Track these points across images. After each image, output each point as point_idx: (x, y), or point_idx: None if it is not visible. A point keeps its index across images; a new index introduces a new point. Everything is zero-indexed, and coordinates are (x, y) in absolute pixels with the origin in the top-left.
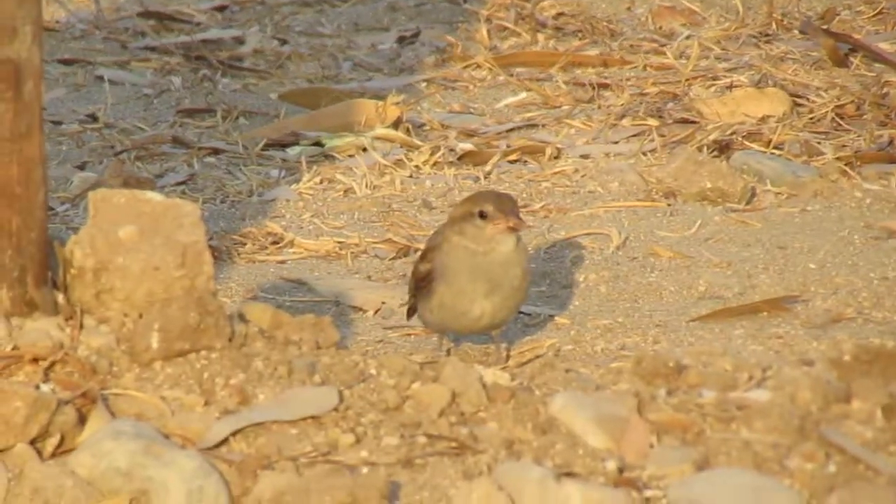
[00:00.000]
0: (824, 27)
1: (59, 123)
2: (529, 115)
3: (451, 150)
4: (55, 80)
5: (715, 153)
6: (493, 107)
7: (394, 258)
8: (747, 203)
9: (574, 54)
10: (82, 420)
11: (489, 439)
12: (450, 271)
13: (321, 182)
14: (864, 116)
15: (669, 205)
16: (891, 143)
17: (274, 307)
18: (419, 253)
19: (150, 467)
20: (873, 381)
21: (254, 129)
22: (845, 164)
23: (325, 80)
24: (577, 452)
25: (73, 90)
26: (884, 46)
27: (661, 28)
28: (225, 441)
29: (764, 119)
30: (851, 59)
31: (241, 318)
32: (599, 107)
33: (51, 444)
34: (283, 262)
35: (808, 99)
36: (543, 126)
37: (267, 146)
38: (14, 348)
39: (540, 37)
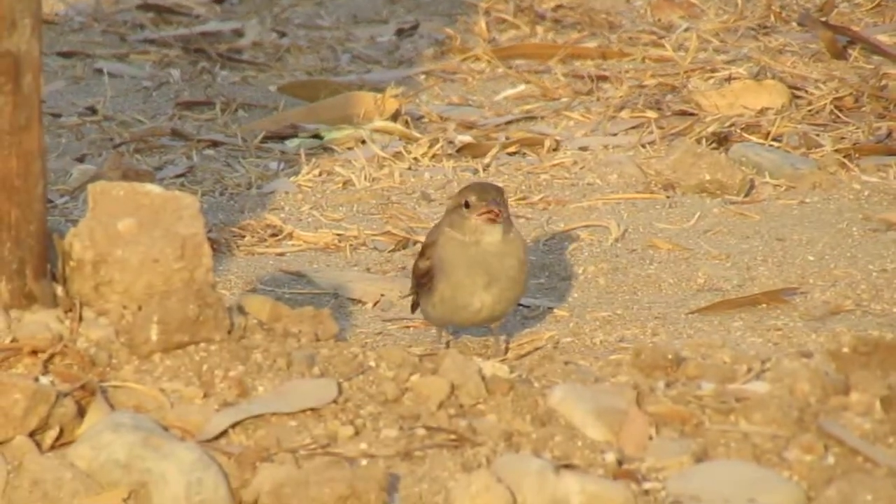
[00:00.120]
0: (823, 19)
1: (58, 116)
2: (528, 107)
3: (450, 142)
4: (54, 73)
5: (714, 145)
6: (492, 99)
7: (393, 250)
8: (746, 195)
9: (573, 46)
10: (81, 412)
11: (488, 431)
12: (447, 265)
13: (320, 174)
14: (863, 108)
15: (668, 197)
16: (889, 135)
17: (273, 299)
18: (419, 249)
19: (149, 459)
20: (872, 373)
21: (253, 122)
22: (844, 156)
23: (323, 73)
24: (576, 444)
25: (72, 83)
26: (882, 38)
27: (659, 20)
28: (224, 433)
29: (762, 111)
30: (850, 51)
31: (241, 310)
32: (598, 99)
33: (50, 436)
34: (282, 254)
35: (806, 91)
36: (542, 118)
37: (266, 138)
38: (13, 340)
39: (539, 29)
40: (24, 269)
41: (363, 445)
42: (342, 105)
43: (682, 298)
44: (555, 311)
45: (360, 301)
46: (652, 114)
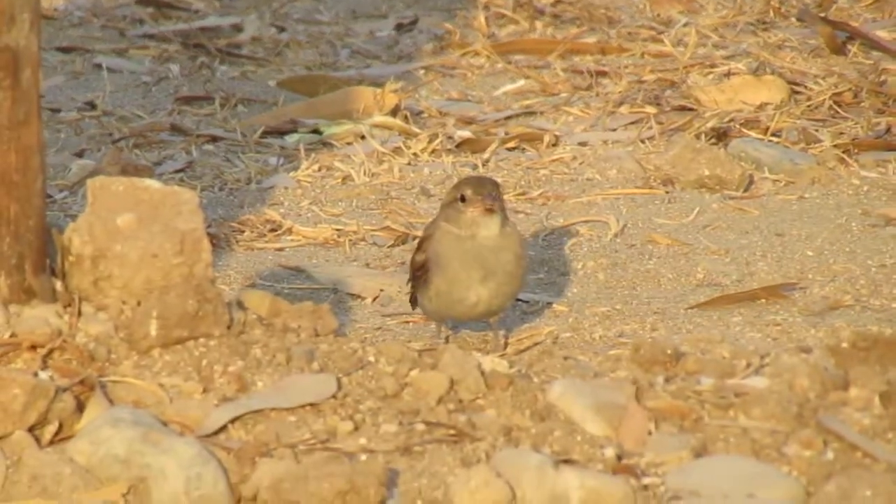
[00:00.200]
0: (822, 15)
1: (57, 111)
2: (527, 102)
3: (450, 137)
4: (53, 68)
5: (713, 140)
6: (492, 94)
7: (392, 245)
8: (745, 190)
9: (572, 42)
10: (80, 407)
11: (487, 426)
12: (443, 259)
13: (319, 169)
14: (862, 104)
15: (667, 192)
16: (888, 130)
17: (272, 294)
18: (416, 243)
19: (148, 454)
20: (871, 369)
21: (252, 117)
22: (843, 152)
23: (323, 68)
24: (576, 439)
25: (71, 78)
26: (881, 34)
27: (658, 15)
28: (223, 428)
29: (762, 106)
30: (849, 46)
31: (240, 305)
32: (597, 94)
33: (49, 431)
34: (281, 249)
35: (805, 86)
36: (541, 113)
37: (265, 134)
38: (12, 335)
39: (538, 24)
40: (23, 264)
41: (362, 440)
42: (341, 100)
43: (681, 293)
44: (554, 306)
45: (359, 296)
46: (651, 109)
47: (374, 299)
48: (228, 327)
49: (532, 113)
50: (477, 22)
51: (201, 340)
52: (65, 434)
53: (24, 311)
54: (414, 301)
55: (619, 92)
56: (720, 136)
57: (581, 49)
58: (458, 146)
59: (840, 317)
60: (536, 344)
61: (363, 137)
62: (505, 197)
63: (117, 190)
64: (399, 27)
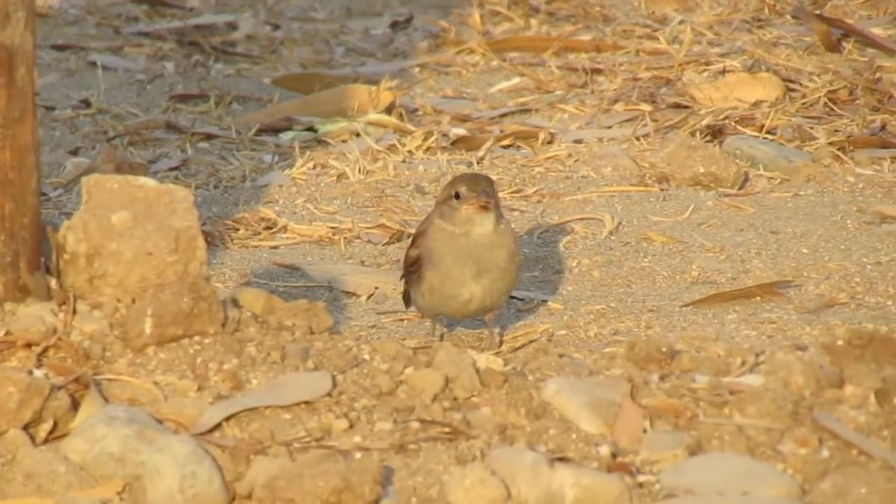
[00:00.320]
0: (817, 12)
1: (52, 109)
2: (522, 100)
3: (444, 135)
4: (48, 66)
5: (708, 138)
6: (486, 92)
7: (387, 243)
8: (740, 188)
9: (567, 39)
10: (75, 405)
11: (482, 424)
12: (436, 255)
13: (314, 167)
14: (857, 101)
15: (662, 189)
16: (883, 127)
17: (267, 292)
18: (410, 238)
19: (143, 452)
20: (866, 366)
21: (247, 115)
22: (838, 149)
23: (318, 66)
24: (571, 437)
25: (66, 75)
26: (876, 31)
27: (653, 13)
28: (218, 426)
29: (757, 104)
30: (844, 44)
31: (235, 303)
32: (592, 92)
33: (44, 429)
34: (276, 247)
35: (800, 84)
36: (536, 111)
37: (260, 131)
38: (7, 333)
39: (533, 22)
40: (18, 261)
41: (357, 438)
42: (336, 98)
43: (676, 291)
44: (549, 303)
45: (354, 294)
46: (646, 106)
47: (369, 297)
48: (223, 325)
49: (527, 110)
50: (472, 19)
51: (196, 338)
52: (59, 432)
53: (19, 309)
54: (406, 298)
55: (614, 89)
56: (715, 133)
57: (576, 46)
58: (452, 144)
59: (835, 314)
60: (531, 342)
61: (358, 135)
62: (500, 194)
63: (112, 188)
64: (394, 25)
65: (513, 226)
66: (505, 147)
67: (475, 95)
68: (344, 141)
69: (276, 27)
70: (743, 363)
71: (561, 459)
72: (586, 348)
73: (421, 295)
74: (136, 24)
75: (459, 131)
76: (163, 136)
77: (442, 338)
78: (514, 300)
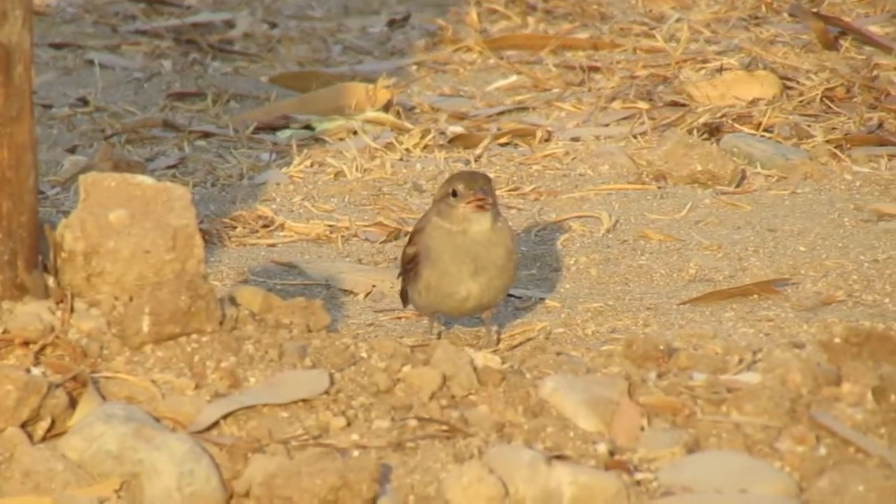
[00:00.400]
0: (814, 10)
1: (49, 107)
2: (520, 98)
3: (442, 133)
4: (46, 64)
5: (705, 136)
6: (484, 90)
7: (384, 241)
8: (737, 186)
9: (564, 37)
10: (73, 403)
11: (480, 422)
12: (433, 253)
13: (312, 165)
14: (854, 99)
15: (660, 187)
16: (880, 125)
17: (265, 290)
18: (407, 236)
19: (140, 450)
20: (863, 364)
21: (244, 113)
22: (835, 147)
23: (315, 64)
24: (568, 435)
25: (63, 74)
26: (873, 29)
27: (651, 11)
28: (216, 424)
29: (754, 102)
30: (841, 41)
31: (232, 301)
32: (590, 90)
33: (41, 427)
34: (273, 245)
35: (797, 82)
36: (534, 109)
37: (257, 129)
38: (5, 332)
39: (530, 20)
40: (16, 260)
41: (355, 436)
42: (334, 96)
43: (673, 289)
44: (546, 301)
45: (351, 292)
46: (643, 104)
47: (367, 295)
48: (221, 323)
49: (524, 108)
50: (469, 18)
51: (193, 336)
52: (57, 430)
53: (17, 308)
54: (404, 296)
55: (612, 87)
56: (712, 131)
57: (573, 45)
58: (450, 142)
59: (832, 312)
60: (529, 340)
61: (355, 133)
62: (497, 192)
63: (109, 186)
64: (391, 23)
65: (510, 224)
66: (502, 145)
67: (472, 93)
68: (341, 139)
69: (273, 25)
70: (740, 361)
71: (558, 457)
72: (584, 346)
73: (418, 293)
74: (134, 23)
75: (457, 129)
76: (160, 134)
77: (439, 336)
78: (512, 298)
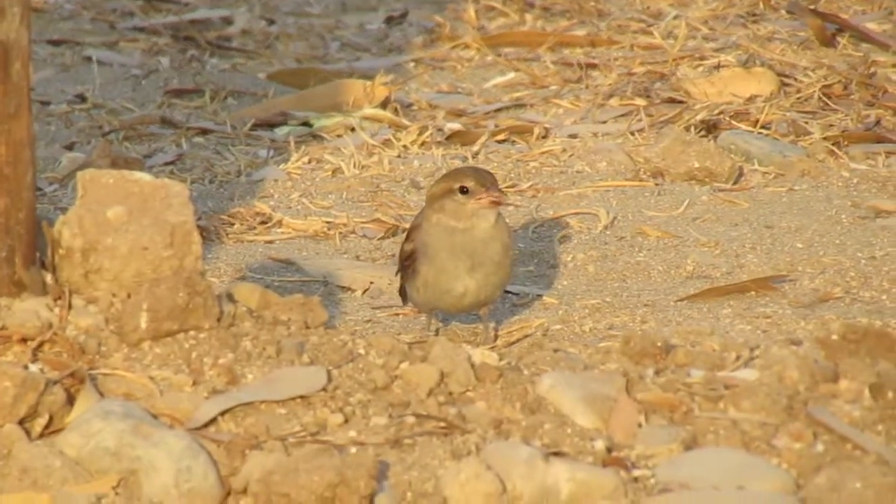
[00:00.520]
0: (811, 7)
1: (47, 104)
2: (517, 95)
3: (439, 129)
4: (43, 61)
5: (702, 133)
6: (481, 87)
7: (382, 238)
8: (735, 183)
9: (562, 34)
10: (71, 400)
11: (477, 419)
12: (431, 249)
13: (309, 162)
14: (852, 96)
15: (657, 184)
16: (878, 122)
17: (262, 287)
18: (404, 233)
19: (138, 447)
20: (861, 361)
21: (242, 109)
22: (833, 144)
23: (313, 61)
24: (566, 432)
25: (61, 71)
26: (871, 26)
27: (648, 8)
28: (213, 421)
29: (751, 99)
30: (839, 38)
31: (230, 298)
32: (587, 87)
33: (39, 424)
34: (271, 241)
35: (795, 79)
36: (531, 106)
37: (255, 126)
38: (2, 328)
39: (528, 17)
40: (14, 257)
41: (352, 433)
42: (331, 93)
43: (671, 286)
44: (544, 298)
45: (349, 289)
46: (641, 101)
47: (364, 292)
48: (218, 320)
49: (522, 105)
50: (467, 15)
51: (191, 333)
52: (55, 427)
53: (15, 304)
54: (403, 294)
55: (609, 84)
56: (710, 128)
57: (571, 42)
58: (447, 138)
59: (830, 309)
60: (526, 336)
61: (353, 130)
62: None
63: (107, 183)
64: (389, 20)
65: (507, 220)
66: (500, 142)
67: (470, 90)
68: (339, 136)
69: (271, 22)
70: (738, 358)
71: (556, 454)
72: (581, 343)
73: (416, 289)
74: (132, 20)
75: (454, 126)
76: (158, 130)
77: (437, 332)
78: (509, 295)
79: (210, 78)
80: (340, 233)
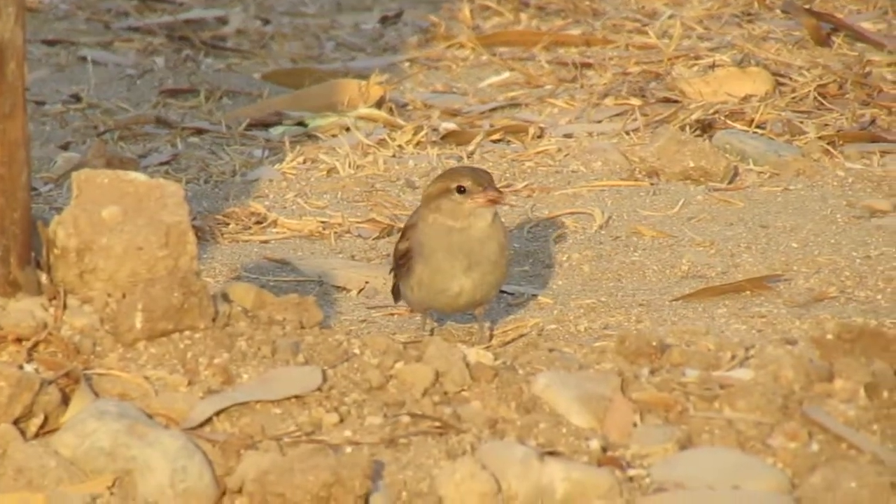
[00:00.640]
0: (806, 6)
1: (42, 104)
2: (512, 94)
3: (435, 129)
4: (38, 61)
5: (698, 132)
6: (476, 86)
7: (377, 238)
8: (730, 182)
9: (557, 34)
10: (66, 400)
11: (473, 419)
12: (427, 249)
13: (304, 162)
14: (847, 96)
15: (652, 184)
16: (873, 122)
17: (257, 287)
18: (399, 232)
19: (133, 447)
20: (856, 360)
21: (237, 109)
22: (828, 144)
23: (308, 60)
24: (561, 431)
25: (56, 70)
26: (866, 26)
27: (643, 7)
28: (209, 421)
29: (746, 98)
30: (833, 38)
31: (225, 297)
32: (582, 86)
33: (34, 424)
34: (266, 241)
35: (790, 78)
36: (526, 105)
37: (250, 126)
38: None
39: (523, 16)
40: (9, 256)
41: (348, 433)
42: (326, 92)
43: (666, 285)
44: (539, 298)
45: (344, 288)
46: (636, 101)
47: (359, 291)
48: (213, 320)
49: (517, 105)
50: (462, 14)
51: (186, 333)
52: (50, 427)
53: (9, 304)
54: (396, 292)
55: (604, 84)
56: (705, 127)
57: (566, 41)
58: (442, 138)
59: (825, 308)
60: (521, 336)
61: (348, 130)
62: None
63: (102, 182)
64: (384, 20)
65: (503, 220)
66: (495, 141)
67: (465, 90)
68: (334, 135)
69: (266, 22)
70: (733, 357)
71: (551, 453)
72: (576, 342)
73: (410, 289)
74: (126, 20)
75: (449, 126)
76: (153, 130)
77: (432, 332)
78: (505, 294)
79: (205, 78)
80: (335, 233)
